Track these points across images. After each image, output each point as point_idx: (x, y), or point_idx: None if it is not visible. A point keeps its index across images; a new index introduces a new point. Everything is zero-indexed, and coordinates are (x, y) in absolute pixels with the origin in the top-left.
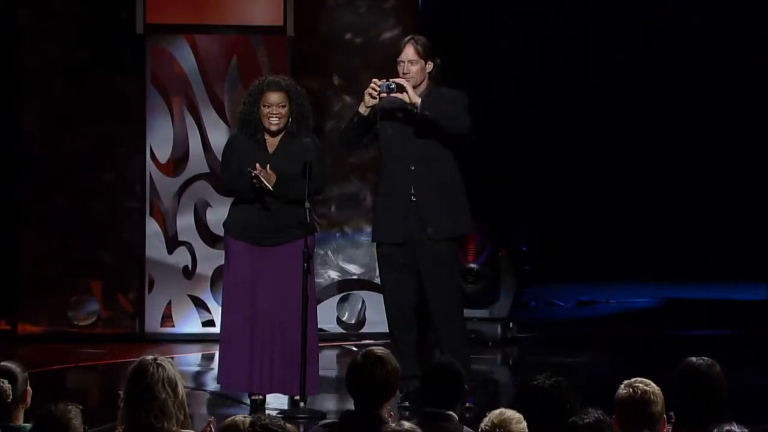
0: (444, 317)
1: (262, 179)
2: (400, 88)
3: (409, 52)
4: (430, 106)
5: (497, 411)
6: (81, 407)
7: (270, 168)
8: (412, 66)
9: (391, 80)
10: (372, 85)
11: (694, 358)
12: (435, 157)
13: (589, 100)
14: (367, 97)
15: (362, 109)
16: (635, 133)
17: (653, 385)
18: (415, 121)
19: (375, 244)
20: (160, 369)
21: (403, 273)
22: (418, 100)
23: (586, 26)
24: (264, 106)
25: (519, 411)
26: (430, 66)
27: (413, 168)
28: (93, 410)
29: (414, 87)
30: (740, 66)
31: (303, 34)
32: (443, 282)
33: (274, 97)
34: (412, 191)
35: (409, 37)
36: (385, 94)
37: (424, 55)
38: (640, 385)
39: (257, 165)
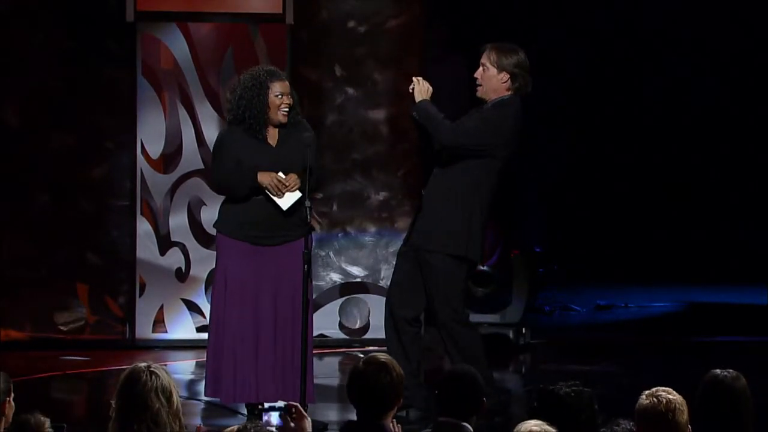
0: (443, 332)
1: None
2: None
3: (482, 58)
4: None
5: (529, 423)
6: (64, 425)
7: (276, 159)
8: (484, 72)
9: (415, 78)
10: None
11: (718, 371)
12: (456, 165)
13: (608, 100)
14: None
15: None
16: (658, 131)
17: (676, 393)
18: None
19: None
20: (153, 377)
21: (405, 274)
22: (417, 100)
23: (599, 31)
24: (275, 96)
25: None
26: (505, 77)
27: (435, 171)
28: (80, 421)
29: (487, 94)
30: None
31: (303, 21)
32: (435, 295)
33: (283, 86)
34: (423, 195)
35: (491, 44)
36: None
37: (497, 63)
38: (663, 393)
39: (280, 174)
